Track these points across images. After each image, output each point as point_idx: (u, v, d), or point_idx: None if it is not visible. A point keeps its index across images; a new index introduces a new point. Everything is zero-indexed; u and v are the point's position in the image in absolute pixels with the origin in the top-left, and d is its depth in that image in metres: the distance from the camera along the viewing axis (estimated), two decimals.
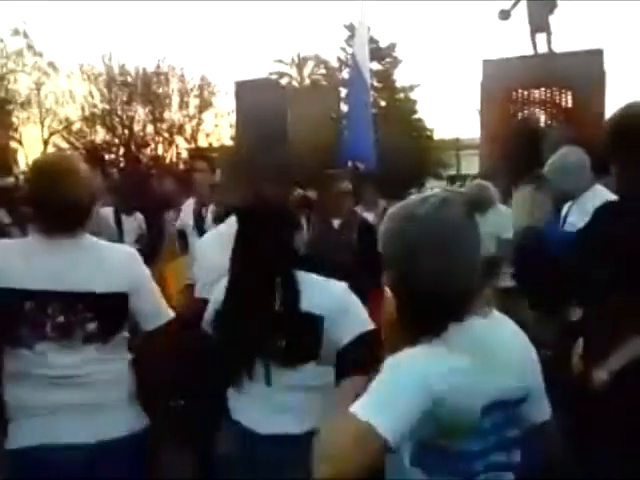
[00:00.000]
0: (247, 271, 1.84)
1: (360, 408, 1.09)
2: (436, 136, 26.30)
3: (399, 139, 17.07)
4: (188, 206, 4.25)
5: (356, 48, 6.69)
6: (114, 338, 1.84)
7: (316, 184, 4.32)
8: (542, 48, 12.70)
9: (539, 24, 12.57)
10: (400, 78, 26.94)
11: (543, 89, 12.87)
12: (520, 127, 4.97)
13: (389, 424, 1.06)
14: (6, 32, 20.93)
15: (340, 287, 1.86)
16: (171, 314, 1.96)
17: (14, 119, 21.94)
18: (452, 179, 20.31)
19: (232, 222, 2.18)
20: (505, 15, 13.08)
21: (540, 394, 1.36)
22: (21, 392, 1.78)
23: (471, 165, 19.33)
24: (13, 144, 21.68)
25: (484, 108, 13.25)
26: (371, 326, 1.78)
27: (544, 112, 13.11)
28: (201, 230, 3.84)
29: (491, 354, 1.22)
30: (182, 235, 4.14)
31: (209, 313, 1.95)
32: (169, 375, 2.03)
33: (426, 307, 1.23)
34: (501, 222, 4.34)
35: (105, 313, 1.81)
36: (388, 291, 1.36)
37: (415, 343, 1.21)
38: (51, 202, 1.77)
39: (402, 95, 26.42)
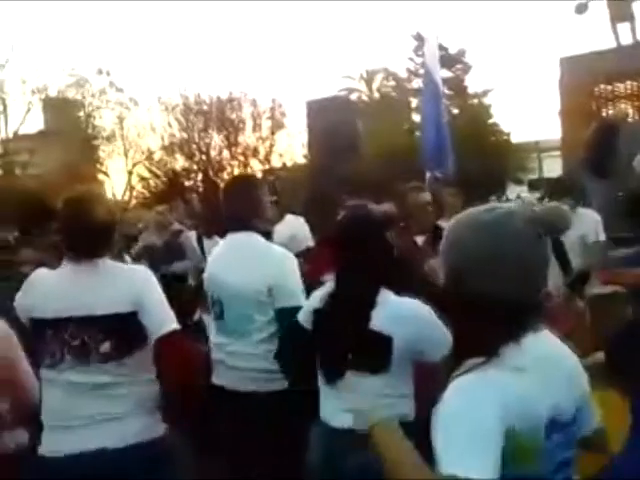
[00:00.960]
0: (349, 283, 2.08)
1: (451, 465, 1.03)
2: (515, 140, 25.45)
3: (476, 145, 16.60)
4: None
5: (426, 57, 6.53)
6: (131, 356, 1.98)
7: (393, 198, 4.16)
8: (625, 39, 11.97)
9: (621, 13, 11.85)
10: (472, 84, 26.39)
11: (629, 82, 12.10)
12: (599, 124, 4.69)
13: (487, 472, 1.02)
14: (91, 72, 22.29)
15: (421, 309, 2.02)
16: (175, 325, 2.04)
17: (100, 153, 23.21)
18: (534, 183, 19.52)
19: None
20: (582, 8, 12.44)
21: (588, 405, 1.32)
22: (51, 403, 1.98)
23: (553, 167, 18.48)
24: (100, 176, 22.93)
25: (564, 107, 12.63)
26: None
27: (631, 106, 12.32)
28: None
29: (549, 372, 1.19)
30: None
31: (308, 308, 2.20)
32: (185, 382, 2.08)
33: (485, 318, 1.19)
34: (588, 225, 4.11)
35: (115, 333, 1.95)
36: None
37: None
38: (68, 230, 2.04)
39: (475, 101, 25.81)
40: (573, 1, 12.39)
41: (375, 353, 1.97)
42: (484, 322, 1.19)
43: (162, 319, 2.01)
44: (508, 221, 1.20)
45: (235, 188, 2.73)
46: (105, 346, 1.94)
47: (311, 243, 4.09)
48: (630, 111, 12.35)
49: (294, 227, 4.14)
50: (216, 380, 2.55)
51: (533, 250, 1.20)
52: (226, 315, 2.50)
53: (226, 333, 2.51)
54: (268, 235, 2.66)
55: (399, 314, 1.99)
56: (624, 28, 11.93)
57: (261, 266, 2.44)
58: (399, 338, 1.94)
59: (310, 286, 2.43)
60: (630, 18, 11.82)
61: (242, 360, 2.44)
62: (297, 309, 2.27)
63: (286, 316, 2.31)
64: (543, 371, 1.17)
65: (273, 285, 2.39)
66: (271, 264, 2.45)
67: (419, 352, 2.01)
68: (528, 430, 1.12)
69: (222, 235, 4.96)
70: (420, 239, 3.31)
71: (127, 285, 2.00)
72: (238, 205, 2.58)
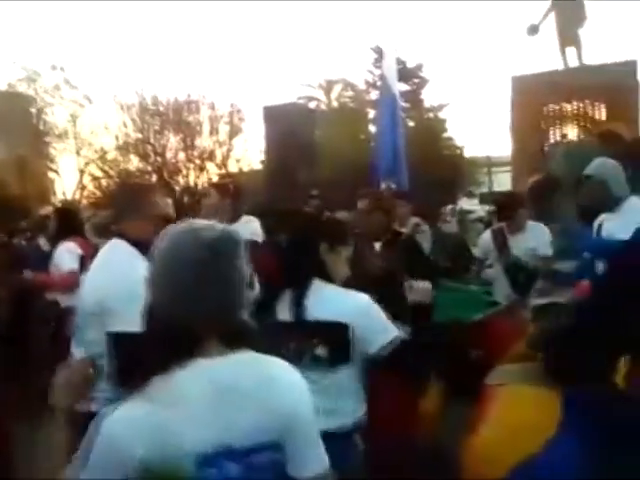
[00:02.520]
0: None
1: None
2: (467, 154, 26.14)
3: (430, 158, 16.97)
4: None
5: (385, 70, 6.72)
6: None
7: (347, 205, 4.33)
8: (573, 62, 12.53)
9: (568, 38, 12.43)
10: (428, 98, 26.97)
11: (576, 103, 12.68)
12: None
13: None
14: (44, 67, 21.72)
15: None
16: None
17: (52, 150, 22.59)
18: (484, 197, 20.06)
19: None
20: (534, 30, 12.97)
21: (301, 447, 1.24)
22: None
23: (503, 183, 19.09)
24: (51, 174, 22.30)
25: (515, 124, 13.11)
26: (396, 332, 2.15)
27: (577, 126, 12.90)
28: None
29: (211, 405, 1.14)
30: None
31: None
32: None
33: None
34: (538, 238, 4.30)
35: None
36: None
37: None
38: None
39: (431, 115, 26.38)
40: (527, 21, 12.93)
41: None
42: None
43: None
44: (183, 242, 1.17)
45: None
46: None
47: (257, 237, 4.25)
48: (576, 131, 12.93)
49: (249, 227, 4.22)
50: None
51: (184, 273, 1.14)
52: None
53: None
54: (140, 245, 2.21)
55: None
56: (572, 52, 12.51)
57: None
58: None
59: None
60: (577, 43, 12.41)
61: None
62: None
63: (111, 340, 2.11)
64: (199, 404, 1.14)
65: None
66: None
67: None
68: (168, 462, 1.11)
69: None
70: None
71: None
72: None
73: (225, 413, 1.16)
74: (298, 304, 2.11)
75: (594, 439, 1.66)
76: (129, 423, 1.13)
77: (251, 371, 1.21)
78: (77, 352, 2.30)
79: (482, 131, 63.68)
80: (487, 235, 4.63)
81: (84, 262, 4.41)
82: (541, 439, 1.77)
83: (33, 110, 22.18)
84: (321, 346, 2.06)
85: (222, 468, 1.16)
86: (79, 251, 4.80)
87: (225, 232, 1.21)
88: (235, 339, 1.22)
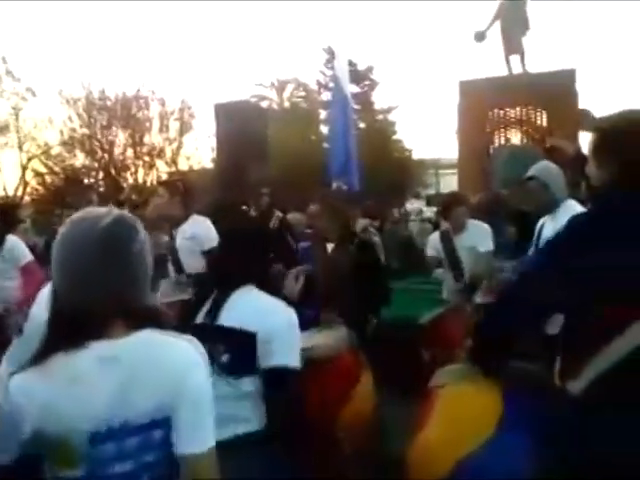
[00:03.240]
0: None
1: None
2: (415, 156, 26.63)
3: (380, 160, 17.22)
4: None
5: (337, 71, 6.78)
6: None
7: (297, 205, 4.38)
8: (517, 69, 12.96)
9: (513, 45, 12.83)
10: (378, 100, 27.35)
11: (519, 108, 13.09)
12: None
13: None
14: None
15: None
16: None
17: None
18: (431, 198, 20.46)
19: None
20: (480, 37, 13.33)
21: (189, 423, 1.25)
22: None
23: (450, 184, 19.52)
24: None
25: (462, 128, 13.44)
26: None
27: (520, 131, 13.34)
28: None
29: (96, 380, 1.19)
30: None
31: None
32: None
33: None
34: (478, 236, 4.45)
35: None
36: None
37: None
38: None
39: (381, 117, 26.77)
40: (475, 27, 13.26)
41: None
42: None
43: None
44: (74, 229, 1.22)
45: None
46: None
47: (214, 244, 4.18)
48: (519, 135, 13.37)
49: (198, 227, 4.09)
50: None
51: (81, 257, 1.19)
52: None
53: None
54: None
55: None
56: (515, 59, 12.93)
57: None
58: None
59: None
60: (521, 51, 12.83)
61: None
62: None
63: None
64: (92, 383, 1.19)
65: None
66: None
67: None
68: (60, 436, 1.18)
69: None
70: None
71: None
72: None
73: (121, 392, 1.20)
74: (213, 308, 2.06)
75: (533, 435, 1.75)
76: (24, 392, 1.19)
77: (146, 350, 1.24)
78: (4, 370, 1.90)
79: (430, 134, 65.05)
80: (435, 236, 4.76)
81: None
82: (482, 436, 1.85)
83: None
84: (226, 353, 1.98)
85: (119, 443, 1.21)
86: None
87: (120, 217, 1.24)
88: (138, 320, 1.25)
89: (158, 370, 1.23)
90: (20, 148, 21.70)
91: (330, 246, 3.69)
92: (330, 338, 2.79)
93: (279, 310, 2.07)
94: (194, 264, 3.89)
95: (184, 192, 4.23)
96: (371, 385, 2.80)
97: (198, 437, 1.26)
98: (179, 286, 3.68)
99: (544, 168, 3.52)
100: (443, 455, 1.87)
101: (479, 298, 3.76)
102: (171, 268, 3.97)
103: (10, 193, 20.71)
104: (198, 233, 4.02)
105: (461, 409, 1.98)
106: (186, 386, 1.25)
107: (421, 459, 1.97)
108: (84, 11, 53.02)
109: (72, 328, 1.20)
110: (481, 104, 12.85)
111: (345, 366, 2.74)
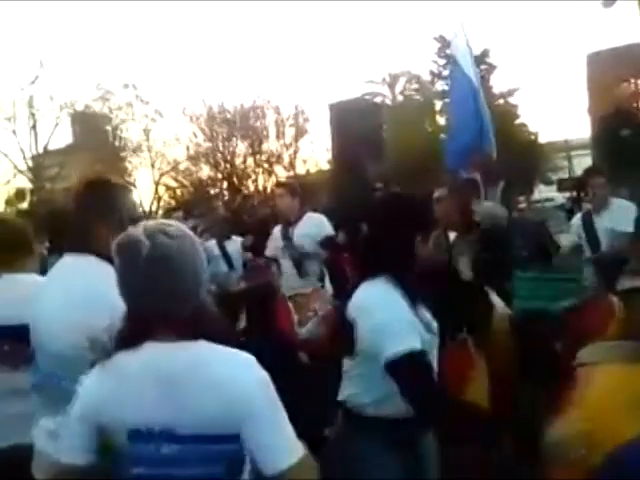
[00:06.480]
0: None
1: None
2: (543, 140, 24.99)
3: (503, 147, 16.33)
4: (276, 232, 4.36)
5: (457, 51, 6.33)
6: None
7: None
8: None
9: None
10: (497, 84, 26.06)
11: None
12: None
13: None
14: (117, 86, 22.62)
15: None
16: None
17: (127, 164, 23.51)
18: (563, 183, 19.11)
19: None
20: (609, 2, 12.16)
21: (261, 441, 1.25)
22: None
23: (584, 166, 18.08)
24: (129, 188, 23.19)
25: (593, 104, 12.37)
26: None
27: None
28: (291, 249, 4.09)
29: (138, 383, 1.25)
30: (274, 261, 4.13)
31: None
32: None
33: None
34: (620, 215, 4.02)
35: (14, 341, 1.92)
36: None
37: None
38: None
39: (501, 101, 25.46)
40: None
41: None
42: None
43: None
44: (120, 253, 1.30)
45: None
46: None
47: (330, 232, 4.20)
48: None
49: (312, 224, 4.17)
50: None
51: (128, 278, 1.28)
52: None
53: None
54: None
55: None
56: None
57: None
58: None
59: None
60: None
61: None
62: None
63: None
64: (138, 383, 1.25)
65: None
66: None
67: None
68: (108, 430, 1.27)
69: (242, 235, 5.22)
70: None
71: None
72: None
73: (165, 398, 1.24)
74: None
75: None
76: (90, 389, 1.31)
77: (195, 363, 1.27)
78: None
79: (558, 114, 61.11)
80: (577, 221, 4.33)
81: None
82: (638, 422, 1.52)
83: (108, 128, 23.16)
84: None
85: (157, 448, 1.23)
86: None
87: (177, 238, 1.30)
88: (186, 329, 1.30)
89: (210, 387, 1.24)
90: (152, 166, 23.39)
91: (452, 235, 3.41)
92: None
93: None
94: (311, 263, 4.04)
95: (301, 192, 4.35)
96: (485, 375, 2.58)
97: (281, 448, 1.26)
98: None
99: None
100: (599, 441, 1.55)
101: (626, 282, 3.32)
102: (288, 265, 4.05)
103: (146, 208, 22.29)
104: (316, 230, 4.12)
105: (613, 392, 1.65)
106: (251, 405, 1.25)
107: (567, 445, 1.66)
108: (200, 32, 56.22)
109: (130, 331, 1.31)
110: (613, 76, 11.74)
111: (457, 355, 2.56)
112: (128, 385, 1.26)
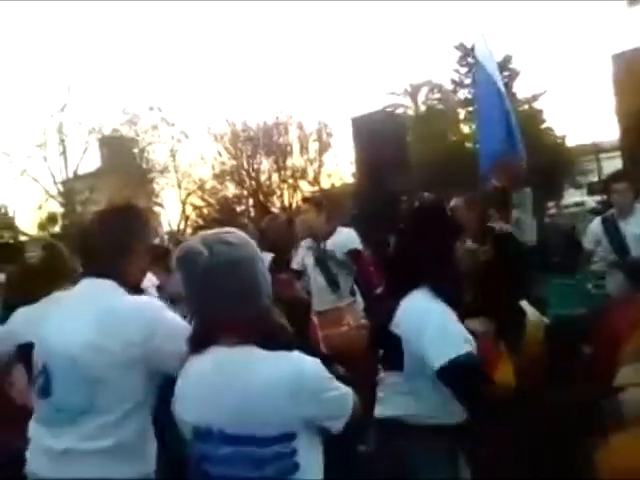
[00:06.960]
0: None
1: None
2: (571, 143, 24.59)
3: (529, 150, 16.11)
4: (302, 247, 4.37)
5: (480, 57, 6.25)
6: None
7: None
8: None
9: None
10: (521, 90, 25.78)
11: None
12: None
13: None
14: (143, 109, 23.05)
15: None
16: None
17: (155, 185, 23.85)
18: (593, 186, 18.75)
19: None
20: (635, 1, 11.97)
21: (311, 447, 1.34)
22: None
23: (613, 168, 17.72)
24: (156, 208, 23.52)
25: (619, 105, 12.13)
26: None
27: None
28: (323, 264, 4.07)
29: (199, 384, 1.36)
30: (301, 275, 4.14)
31: None
32: None
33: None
34: None
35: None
36: None
37: None
38: None
39: (526, 107, 25.16)
40: None
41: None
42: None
43: None
44: (182, 251, 1.38)
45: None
46: None
47: (358, 246, 4.18)
48: None
49: (344, 237, 4.16)
50: None
51: (188, 287, 1.37)
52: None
53: None
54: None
55: None
56: None
57: None
58: None
59: None
60: None
61: None
62: None
63: None
64: (200, 383, 1.35)
65: None
66: None
67: None
68: (181, 425, 1.40)
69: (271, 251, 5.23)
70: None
71: None
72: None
73: (222, 400, 1.30)
74: None
75: None
76: (178, 392, 1.43)
77: (240, 362, 1.33)
78: None
79: (584, 117, 60.16)
80: (596, 225, 4.19)
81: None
82: None
83: (136, 150, 23.57)
84: None
85: (216, 447, 1.30)
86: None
87: (235, 245, 1.36)
88: (248, 333, 1.35)
89: (263, 389, 1.28)
90: (179, 186, 23.68)
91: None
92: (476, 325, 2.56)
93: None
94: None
95: (328, 207, 4.34)
96: (511, 374, 2.56)
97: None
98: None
99: None
100: None
101: None
102: (320, 279, 4.06)
103: (174, 228, 22.55)
104: (344, 243, 4.11)
105: None
106: (301, 408, 1.29)
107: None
108: (219, 54, 57.03)
109: (196, 337, 1.41)
110: (638, 76, 11.50)
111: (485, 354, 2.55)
112: (191, 386, 1.38)
